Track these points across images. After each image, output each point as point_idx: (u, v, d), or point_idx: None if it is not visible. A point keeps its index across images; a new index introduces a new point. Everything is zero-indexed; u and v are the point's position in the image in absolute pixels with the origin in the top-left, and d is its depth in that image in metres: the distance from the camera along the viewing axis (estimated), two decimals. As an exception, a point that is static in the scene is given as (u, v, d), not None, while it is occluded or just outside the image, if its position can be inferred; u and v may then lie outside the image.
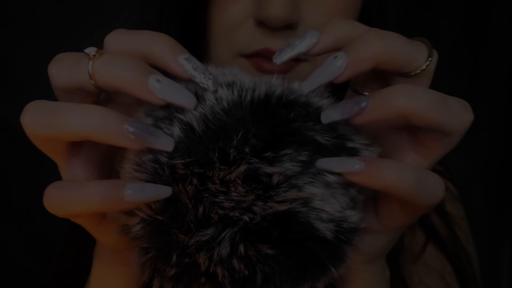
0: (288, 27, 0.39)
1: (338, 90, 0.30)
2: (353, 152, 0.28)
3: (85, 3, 0.82)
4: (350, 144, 0.28)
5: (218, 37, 0.42)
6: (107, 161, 0.30)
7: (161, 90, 0.25)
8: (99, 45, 0.27)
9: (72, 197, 0.25)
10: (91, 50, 0.26)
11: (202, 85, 0.27)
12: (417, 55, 0.27)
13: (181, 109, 0.27)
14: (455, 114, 0.26)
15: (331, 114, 0.27)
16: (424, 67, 0.27)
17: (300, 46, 0.28)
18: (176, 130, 0.26)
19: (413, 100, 0.25)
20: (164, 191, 0.25)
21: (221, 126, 0.26)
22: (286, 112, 0.27)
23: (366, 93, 0.31)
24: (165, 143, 0.26)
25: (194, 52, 0.45)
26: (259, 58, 0.40)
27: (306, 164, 0.26)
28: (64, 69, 0.27)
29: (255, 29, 0.40)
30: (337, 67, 0.26)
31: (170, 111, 0.27)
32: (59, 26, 0.82)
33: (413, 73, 0.27)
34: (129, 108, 0.30)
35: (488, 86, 0.97)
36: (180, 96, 0.26)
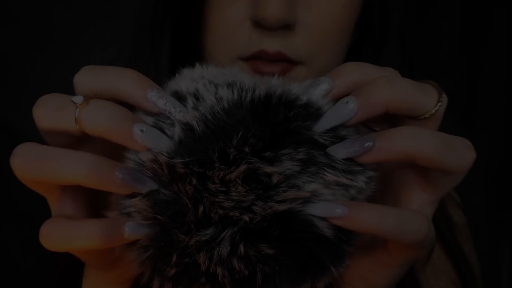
0: (285, 28, 0.39)
1: None
2: None
3: (86, 4, 0.82)
4: None
5: (215, 40, 0.42)
6: (94, 193, 0.30)
7: (143, 138, 0.26)
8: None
9: (71, 235, 0.26)
10: (78, 99, 0.26)
11: (172, 117, 0.27)
12: (426, 100, 0.27)
13: (181, 109, 0.27)
14: (459, 155, 0.27)
15: (338, 150, 0.27)
16: (433, 111, 0.28)
17: (314, 94, 0.28)
18: (177, 130, 0.26)
19: (418, 142, 0.26)
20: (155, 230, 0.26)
21: (221, 126, 0.26)
22: (286, 112, 0.27)
23: (377, 128, 0.31)
24: (150, 187, 0.26)
25: (190, 54, 0.45)
26: (257, 61, 0.40)
27: (305, 164, 0.26)
28: (49, 113, 0.27)
29: (252, 31, 0.40)
30: (348, 111, 0.27)
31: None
32: (60, 27, 0.82)
33: (422, 117, 0.28)
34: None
35: (488, 87, 0.97)
36: (159, 143, 0.26)
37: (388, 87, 0.27)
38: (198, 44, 0.44)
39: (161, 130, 0.27)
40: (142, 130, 0.26)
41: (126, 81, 0.27)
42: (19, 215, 0.83)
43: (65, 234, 0.26)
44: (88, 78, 0.28)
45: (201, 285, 0.27)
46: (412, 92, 0.27)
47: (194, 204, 0.26)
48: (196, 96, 0.27)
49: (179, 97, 0.28)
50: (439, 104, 0.28)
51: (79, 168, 0.25)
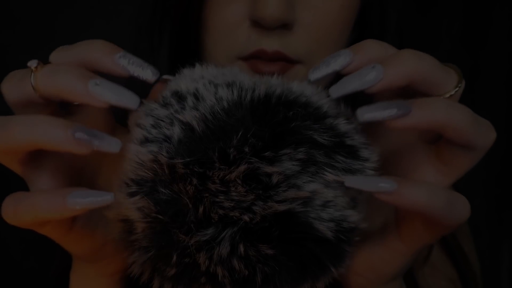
0: (283, 27, 0.39)
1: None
2: (352, 150, 0.28)
3: (86, 5, 0.82)
4: (349, 142, 0.28)
5: (214, 40, 0.42)
6: (76, 172, 0.30)
7: (102, 93, 0.26)
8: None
9: (21, 206, 0.26)
10: (32, 63, 0.27)
11: (142, 78, 0.28)
12: (448, 80, 0.28)
13: (181, 109, 0.27)
14: (485, 132, 0.27)
15: (371, 112, 0.26)
16: (453, 92, 0.28)
17: (335, 64, 0.28)
18: (176, 129, 0.26)
19: (453, 112, 0.26)
20: (106, 197, 0.26)
21: (221, 126, 0.26)
22: (285, 111, 0.27)
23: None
24: (110, 144, 0.26)
25: (189, 54, 0.45)
26: (256, 60, 0.40)
27: (305, 163, 0.26)
28: (12, 85, 0.28)
29: (250, 30, 0.40)
30: (372, 78, 0.26)
31: (170, 111, 0.27)
32: (60, 27, 0.82)
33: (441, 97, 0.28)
34: (95, 118, 0.30)
35: (488, 87, 0.97)
36: (121, 97, 0.26)
37: (416, 59, 0.27)
38: (197, 44, 0.44)
39: (160, 129, 0.27)
40: (96, 84, 0.26)
41: (94, 48, 0.27)
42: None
43: (15, 206, 0.26)
44: (60, 53, 0.28)
45: (201, 285, 0.27)
46: (436, 69, 0.27)
47: (194, 204, 0.26)
48: (196, 96, 0.27)
49: (179, 97, 0.28)
50: (459, 86, 0.28)
51: (33, 129, 0.25)
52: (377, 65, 0.27)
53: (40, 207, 0.25)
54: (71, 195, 0.25)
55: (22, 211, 0.26)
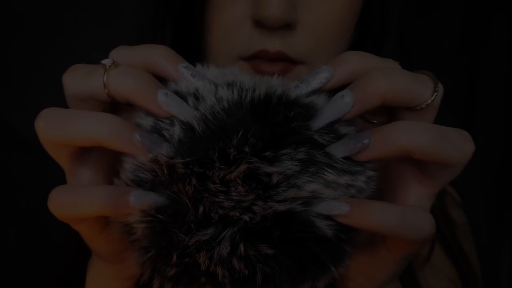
0: (286, 27, 0.39)
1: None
2: None
3: (88, 6, 0.82)
4: None
5: (216, 40, 0.42)
6: (109, 170, 0.30)
7: (167, 103, 0.27)
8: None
9: (77, 199, 0.26)
10: (107, 61, 0.28)
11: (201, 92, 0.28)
12: (422, 90, 0.28)
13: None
14: (457, 146, 0.27)
15: (335, 149, 0.27)
16: (429, 101, 0.28)
17: (314, 82, 0.29)
18: (177, 130, 0.27)
19: (414, 136, 0.26)
20: (162, 200, 0.26)
21: (221, 126, 0.26)
22: (286, 112, 0.27)
23: (375, 121, 0.32)
24: (167, 151, 0.27)
25: (191, 54, 0.46)
26: (258, 60, 0.40)
27: (305, 163, 0.26)
28: (78, 78, 0.28)
29: (253, 30, 0.40)
30: (345, 105, 0.27)
31: None
32: (61, 29, 0.82)
33: (418, 108, 0.28)
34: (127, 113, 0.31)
35: (488, 87, 0.97)
36: (182, 110, 0.27)
37: (383, 79, 0.27)
38: (199, 44, 0.44)
39: (160, 130, 0.27)
40: (166, 94, 0.27)
41: (160, 54, 0.28)
42: (19, 216, 0.84)
43: (70, 198, 0.26)
44: (124, 52, 0.29)
45: (201, 285, 0.27)
46: (407, 83, 0.27)
47: (194, 204, 0.26)
48: (196, 96, 0.27)
49: (179, 97, 0.28)
50: (435, 94, 0.28)
51: (101, 127, 0.26)
52: (345, 92, 0.27)
53: (99, 203, 0.26)
54: (135, 195, 0.26)
55: (78, 205, 0.26)
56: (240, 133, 0.26)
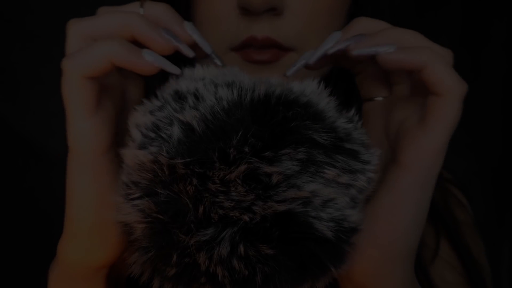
0: (272, 11, 0.38)
1: (344, 99, 0.31)
2: (352, 153, 0.28)
3: (89, 7, 0.82)
4: (348, 146, 0.28)
5: (205, 33, 0.41)
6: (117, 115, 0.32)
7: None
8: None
9: (94, 48, 0.29)
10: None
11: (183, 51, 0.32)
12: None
13: (180, 109, 0.27)
14: (456, 81, 0.32)
15: (362, 49, 0.32)
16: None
17: (327, 46, 0.34)
18: (176, 130, 0.26)
19: (435, 55, 0.30)
20: (175, 68, 0.31)
21: (221, 126, 0.26)
22: (285, 111, 0.27)
23: (379, 98, 0.35)
24: (174, 69, 0.31)
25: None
26: (248, 50, 0.40)
27: (305, 163, 0.26)
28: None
29: (240, 19, 0.39)
30: (332, 39, 0.33)
31: (169, 111, 0.27)
32: (62, 30, 0.82)
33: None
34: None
35: (488, 87, 0.97)
36: (167, 65, 0.31)
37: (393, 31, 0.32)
38: None
39: (158, 129, 0.27)
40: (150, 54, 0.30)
41: (163, 11, 0.33)
42: (19, 216, 0.84)
43: (88, 49, 0.29)
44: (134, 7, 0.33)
45: (201, 285, 0.27)
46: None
47: (194, 204, 0.26)
48: (196, 96, 0.27)
49: (179, 96, 0.28)
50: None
51: (114, 43, 0.29)
52: (335, 32, 0.33)
53: (118, 50, 0.29)
54: (148, 52, 0.30)
55: (95, 52, 0.29)
56: (240, 133, 0.26)
